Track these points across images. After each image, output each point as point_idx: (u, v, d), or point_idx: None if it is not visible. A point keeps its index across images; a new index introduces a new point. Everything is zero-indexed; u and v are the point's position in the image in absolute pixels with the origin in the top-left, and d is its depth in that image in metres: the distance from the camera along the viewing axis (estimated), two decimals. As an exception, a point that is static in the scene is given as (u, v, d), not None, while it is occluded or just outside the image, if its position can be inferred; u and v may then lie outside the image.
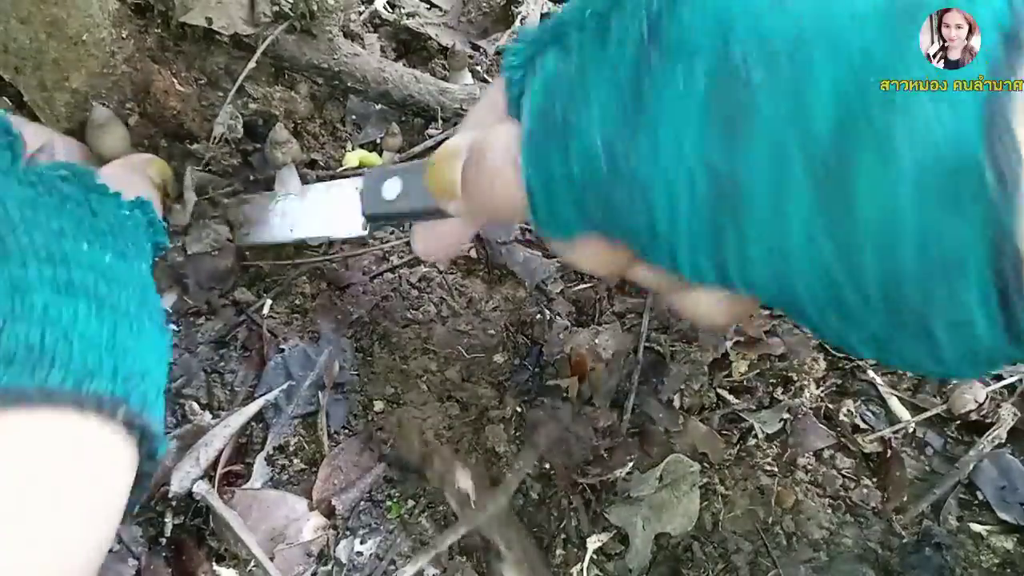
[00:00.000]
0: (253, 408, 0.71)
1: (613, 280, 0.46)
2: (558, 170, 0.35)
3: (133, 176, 0.51)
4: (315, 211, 0.53)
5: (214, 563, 0.64)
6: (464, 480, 0.70)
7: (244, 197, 0.58)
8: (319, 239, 0.62)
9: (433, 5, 1.19)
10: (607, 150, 0.33)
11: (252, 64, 0.82)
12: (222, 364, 0.75)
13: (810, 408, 0.75)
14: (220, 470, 0.68)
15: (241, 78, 0.84)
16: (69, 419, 0.34)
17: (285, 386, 0.74)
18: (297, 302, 0.80)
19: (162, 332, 0.45)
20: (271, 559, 0.63)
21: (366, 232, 0.52)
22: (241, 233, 0.57)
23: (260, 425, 0.73)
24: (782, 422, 0.74)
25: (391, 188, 0.47)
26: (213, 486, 0.66)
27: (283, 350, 0.76)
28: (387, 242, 0.86)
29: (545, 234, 0.39)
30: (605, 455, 0.73)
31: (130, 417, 0.37)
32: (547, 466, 0.72)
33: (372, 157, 0.91)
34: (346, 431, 0.74)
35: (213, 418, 0.72)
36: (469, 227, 0.52)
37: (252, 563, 0.63)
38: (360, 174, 0.55)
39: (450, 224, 0.49)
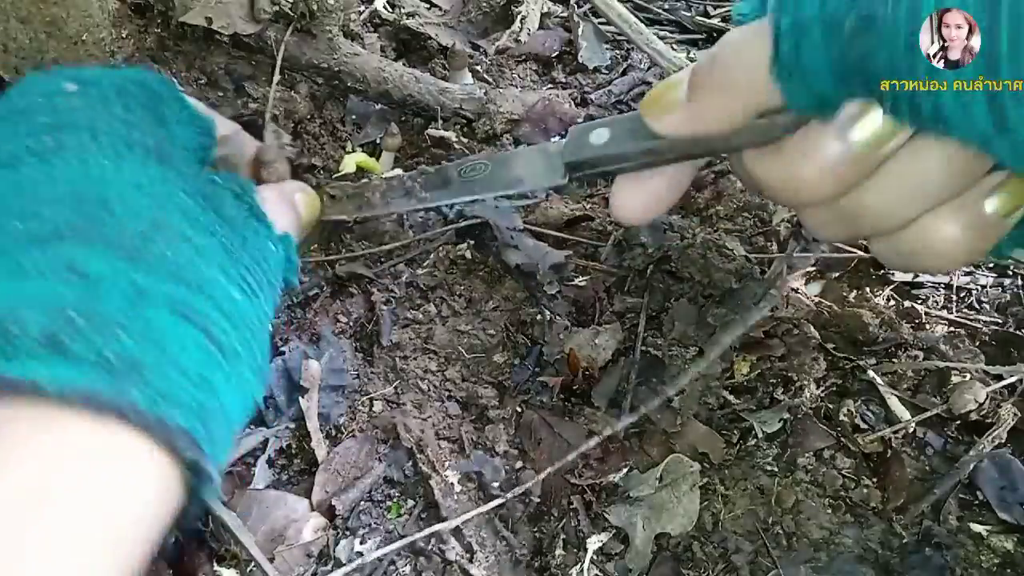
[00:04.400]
0: (251, 442, 0.71)
1: (826, 200, 0.42)
2: (810, 9, 0.33)
3: (283, 206, 0.51)
4: (507, 169, 0.52)
5: (214, 563, 0.64)
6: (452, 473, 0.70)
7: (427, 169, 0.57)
8: (510, 195, 0.60)
9: (433, 5, 1.19)
10: None
11: (278, 76, 0.82)
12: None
13: (810, 408, 0.75)
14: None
15: (275, 83, 0.84)
16: (122, 437, 0.33)
17: (284, 389, 0.74)
18: (295, 300, 0.80)
19: (258, 382, 0.43)
20: (271, 560, 0.63)
21: (565, 181, 0.50)
22: (420, 196, 0.54)
23: (259, 428, 0.73)
24: (782, 422, 0.74)
25: (599, 136, 0.47)
26: (213, 486, 0.66)
27: (283, 352, 0.76)
28: (387, 244, 0.86)
29: (793, 101, 0.37)
30: (603, 456, 0.73)
31: (191, 453, 0.35)
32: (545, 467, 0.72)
33: (371, 161, 0.91)
34: (346, 431, 0.74)
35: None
36: (681, 179, 0.50)
37: (252, 563, 0.63)
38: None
39: (658, 178, 0.48)
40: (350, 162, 0.89)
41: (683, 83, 0.41)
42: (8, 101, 0.44)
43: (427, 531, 0.66)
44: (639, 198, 0.49)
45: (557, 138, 0.53)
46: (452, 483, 0.70)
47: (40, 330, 0.32)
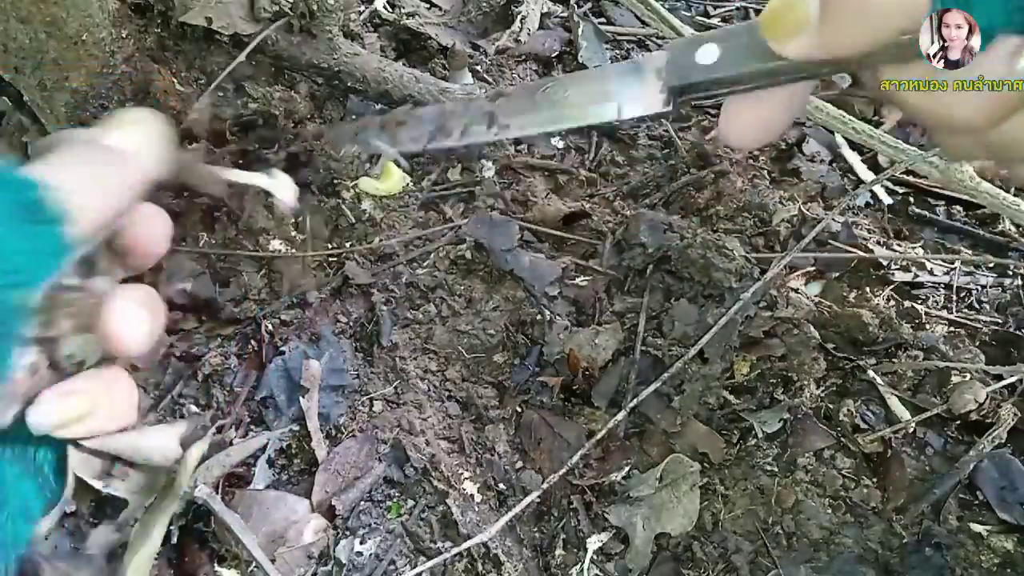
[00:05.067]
0: (255, 444, 0.71)
1: (981, 129, 0.38)
2: None
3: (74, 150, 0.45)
4: (597, 91, 0.46)
5: (215, 564, 0.64)
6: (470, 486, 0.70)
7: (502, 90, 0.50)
8: (602, 124, 0.53)
9: (433, 5, 1.19)
10: None
11: (242, 57, 0.81)
12: (221, 364, 0.75)
13: (810, 408, 0.75)
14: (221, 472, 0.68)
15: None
16: None
17: (284, 389, 0.74)
18: (295, 300, 0.80)
19: None
20: (272, 560, 0.63)
21: (670, 108, 0.44)
22: (500, 124, 0.47)
23: (260, 428, 0.73)
24: (782, 422, 0.74)
25: (707, 54, 0.42)
26: (215, 489, 0.66)
27: (283, 352, 0.76)
28: (388, 243, 0.86)
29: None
30: (604, 456, 0.73)
31: None
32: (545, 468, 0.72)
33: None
34: (346, 431, 0.74)
35: (212, 421, 0.72)
36: (799, 99, 0.47)
37: (253, 563, 0.63)
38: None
39: (771, 102, 0.43)
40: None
41: (809, 3, 0.36)
42: None
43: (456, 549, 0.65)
44: (754, 122, 0.45)
45: (659, 54, 0.47)
46: (471, 495, 0.70)
47: None
